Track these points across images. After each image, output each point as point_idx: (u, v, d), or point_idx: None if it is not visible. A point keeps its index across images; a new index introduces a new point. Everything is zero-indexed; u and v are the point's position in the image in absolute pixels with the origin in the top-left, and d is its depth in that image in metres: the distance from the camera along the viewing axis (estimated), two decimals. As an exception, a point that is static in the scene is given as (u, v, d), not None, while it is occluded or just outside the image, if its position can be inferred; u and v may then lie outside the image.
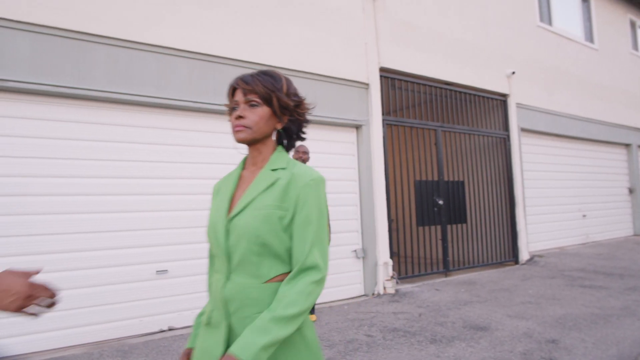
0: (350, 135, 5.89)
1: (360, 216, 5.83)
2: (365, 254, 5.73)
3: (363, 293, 5.73)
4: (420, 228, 6.93)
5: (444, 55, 6.95)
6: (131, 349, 3.82)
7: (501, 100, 8.03)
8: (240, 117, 1.20)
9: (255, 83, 1.20)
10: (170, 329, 4.31)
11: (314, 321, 4.54)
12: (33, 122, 3.81)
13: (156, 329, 4.26)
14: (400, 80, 6.53)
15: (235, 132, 1.23)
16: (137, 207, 4.24)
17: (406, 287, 6.00)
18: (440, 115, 7.20)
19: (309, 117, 1.34)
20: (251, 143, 1.27)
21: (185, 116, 4.60)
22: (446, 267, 6.90)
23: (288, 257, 1.16)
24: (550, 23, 9.33)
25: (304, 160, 4.73)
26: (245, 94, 1.21)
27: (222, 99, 4.68)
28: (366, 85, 5.94)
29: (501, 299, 5.30)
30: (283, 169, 1.21)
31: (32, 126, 3.80)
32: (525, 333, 4.01)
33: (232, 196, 1.26)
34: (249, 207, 1.16)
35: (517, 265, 7.70)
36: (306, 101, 1.33)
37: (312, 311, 4.63)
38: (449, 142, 7.48)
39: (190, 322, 4.43)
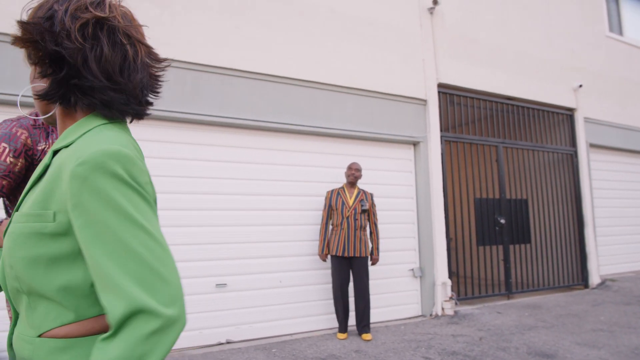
0: (408, 152, 5.83)
1: (418, 234, 5.72)
2: (422, 273, 5.60)
3: (420, 313, 5.58)
4: (481, 248, 6.69)
5: (505, 70, 6.75)
6: (191, 359, 3.93)
7: (567, 115, 7.66)
8: None
9: None
10: (228, 342, 4.40)
11: (369, 341, 4.47)
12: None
13: (215, 342, 4.36)
14: (459, 95, 6.40)
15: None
16: (199, 221, 4.40)
17: (465, 308, 5.79)
18: (502, 131, 6.97)
19: None
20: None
21: (246, 134, 4.74)
22: (508, 289, 6.60)
23: (72, 297, 0.73)
24: (620, 33, 8.83)
25: (356, 178, 4.74)
26: None
27: (281, 118, 4.81)
28: (424, 102, 5.88)
29: (569, 325, 4.99)
30: (67, 146, 0.79)
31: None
32: (598, 364, 3.74)
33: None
34: (13, 218, 0.78)
35: (586, 290, 7.22)
36: None
37: (368, 330, 4.57)
38: (511, 159, 7.21)
39: (248, 336, 4.51)
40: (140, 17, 3.61)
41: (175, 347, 4.17)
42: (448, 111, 6.42)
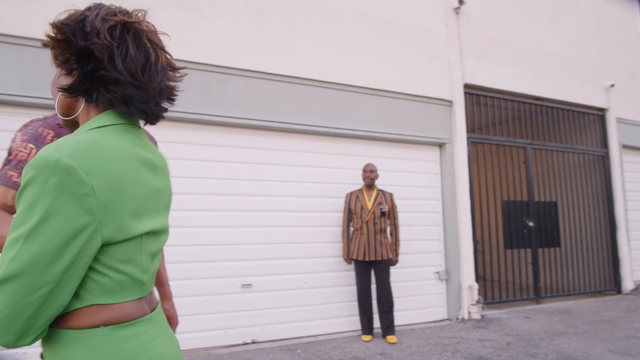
0: (433, 154, 5.77)
1: (444, 237, 5.65)
2: (448, 276, 5.53)
3: (446, 317, 5.51)
4: (508, 251, 6.56)
5: (533, 69, 6.62)
6: (217, 359, 3.97)
7: (598, 115, 7.45)
8: None
9: None
10: (253, 342, 4.43)
11: (394, 343, 4.44)
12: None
13: (240, 342, 4.39)
14: (486, 96, 6.30)
15: None
16: (224, 222, 4.45)
17: (493, 313, 5.68)
18: (530, 132, 6.82)
19: None
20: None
21: (271, 136, 4.78)
22: (537, 294, 6.44)
23: None
24: (655, 30, 8.55)
25: (372, 180, 4.70)
26: None
27: (306, 120, 4.82)
28: (450, 103, 5.81)
29: (601, 332, 4.84)
30: None
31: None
32: (633, 372, 3.62)
33: None
34: None
35: (619, 295, 7.00)
36: None
37: (392, 332, 4.53)
38: (540, 160, 7.05)
39: (273, 337, 4.52)
40: (167, 21, 3.72)
41: (201, 346, 4.22)
42: (474, 112, 6.33)
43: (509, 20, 6.53)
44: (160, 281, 1.64)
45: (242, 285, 4.46)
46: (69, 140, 0.76)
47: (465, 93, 6.00)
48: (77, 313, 0.81)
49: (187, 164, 4.34)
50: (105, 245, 0.80)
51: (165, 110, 0.98)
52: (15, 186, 1.28)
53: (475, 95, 6.20)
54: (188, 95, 4.30)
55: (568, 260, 7.03)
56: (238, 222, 4.50)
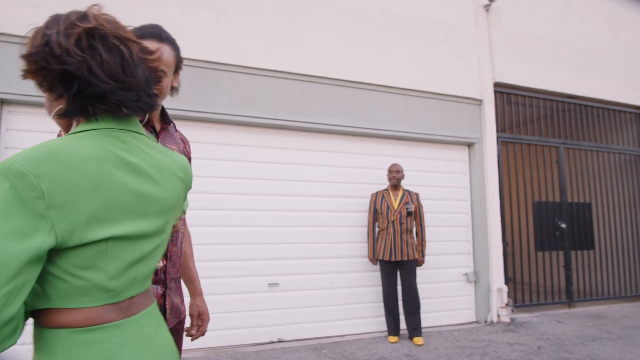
0: (462, 154, 5.68)
1: (472, 238, 5.56)
2: (477, 278, 5.44)
3: (474, 320, 5.42)
4: (539, 253, 6.41)
5: (566, 67, 6.44)
6: (244, 356, 4.02)
7: (636, 114, 7.19)
8: None
9: None
10: (279, 341, 4.46)
11: (421, 345, 4.40)
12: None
13: (266, 340, 4.43)
14: (517, 95, 6.17)
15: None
16: (251, 222, 4.49)
17: (523, 316, 5.56)
18: (563, 131, 6.64)
19: None
20: None
21: (298, 136, 4.80)
22: (570, 298, 6.27)
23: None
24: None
25: (398, 180, 4.66)
26: None
27: (333, 120, 4.83)
28: (479, 102, 5.71)
29: (637, 338, 4.67)
30: None
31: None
32: (672, 380, 3.48)
33: None
34: None
35: (657, 300, 6.74)
36: None
37: (419, 334, 4.49)
38: (573, 160, 6.85)
39: (299, 336, 4.55)
40: (197, 23, 3.78)
41: (228, 344, 4.27)
42: (505, 111, 6.20)
43: (541, 17, 6.36)
44: (190, 278, 1.66)
45: (269, 284, 4.50)
46: (30, 147, 0.79)
47: (495, 91, 5.89)
48: (43, 312, 0.83)
49: (215, 163, 4.41)
50: (61, 249, 0.80)
51: (157, 95, 1.00)
52: None
53: (505, 93, 6.08)
54: (217, 96, 4.37)
55: (602, 263, 6.82)
56: (265, 222, 4.54)
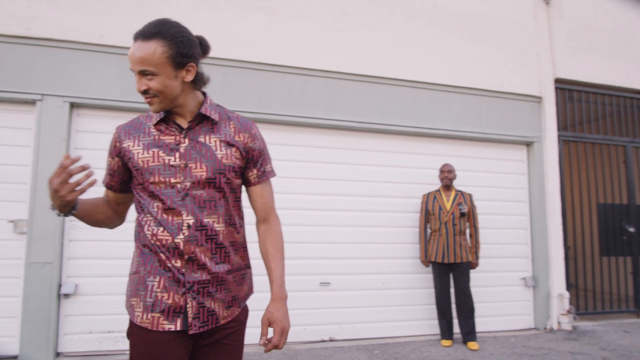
0: (520, 153, 5.46)
1: (531, 241, 5.33)
2: (535, 283, 5.21)
3: (533, 326, 5.20)
4: (605, 258, 6.04)
5: (635, 61, 6.04)
6: (295, 354, 4.07)
7: None
8: None
9: None
10: (331, 340, 4.48)
11: (476, 350, 4.27)
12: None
13: (318, 339, 4.46)
14: (580, 91, 5.86)
15: None
16: (304, 221, 4.54)
17: (586, 324, 5.27)
18: (631, 129, 6.24)
19: None
20: None
21: (350, 136, 4.80)
22: (638, 307, 5.88)
23: None
24: None
25: (450, 180, 4.54)
26: None
27: (385, 119, 4.79)
28: (539, 99, 5.47)
29: None
30: None
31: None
32: None
33: None
34: None
35: None
36: None
37: (474, 338, 4.36)
38: (643, 160, 6.42)
39: (350, 336, 4.54)
40: (252, 26, 3.89)
41: (281, 340, 4.33)
42: (567, 108, 5.91)
43: (606, 8, 6.01)
44: (270, 279, 1.55)
45: (321, 283, 4.53)
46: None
47: (556, 88, 5.61)
48: None
49: (268, 163, 4.48)
50: None
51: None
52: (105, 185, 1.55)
53: (567, 90, 5.78)
54: (271, 97, 4.45)
55: (676, 271, 6.33)
56: (318, 221, 4.57)
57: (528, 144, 5.47)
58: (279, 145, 4.55)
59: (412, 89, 4.94)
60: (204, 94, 1.52)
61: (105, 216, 1.52)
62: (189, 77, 1.38)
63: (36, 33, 3.92)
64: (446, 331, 4.47)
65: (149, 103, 1.37)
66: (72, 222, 3.94)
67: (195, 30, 1.44)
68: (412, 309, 4.79)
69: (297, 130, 4.63)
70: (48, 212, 3.82)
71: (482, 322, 4.87)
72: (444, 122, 5.02)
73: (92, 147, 3.99)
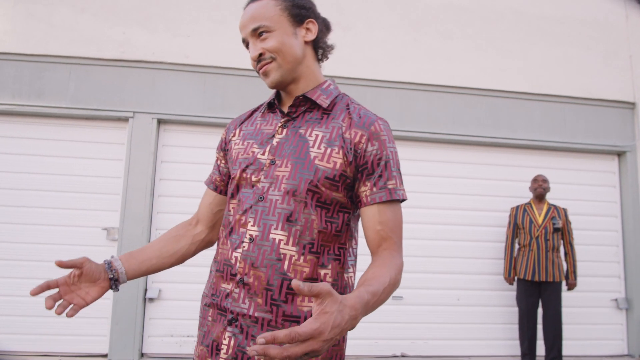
0: (610, 164, 5.07)
1: (624, 259, 4.91)
2: (629, 306, 4.78)
3: (626, 352, 4.77)
4: None
5: None
6: (368, 368, 4.03)
7: None
8: None
9: None
10: (403, 356, 4.39)
11: (563, 376, 3.98)
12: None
13: (389, 354, 4.39)
14: (680, 95, 5.34)
15: None
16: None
17: (691, 354, 4.76)
18: None
19: None
20: None
21: (425, 147, 4.72)
22: None
23: None
24: None
25: (544, 190, 4.29)
26: None
27: (461, 129, 4.66)
28: (631, 105, 5.06)
29: None
30: None
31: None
32: None
33: None
34: None
35: None
36: None
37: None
38: None
39: (423, 352, 4.42)
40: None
41: (352, 353, 4.31)
42: (664, 115, 5.40)
43: None
44: (358, 282, 1.08)
45: (393, 297, 4.46)
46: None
47: (651, 93, 5.17)
48: None
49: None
50: None
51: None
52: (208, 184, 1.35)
53: (665, 95, 5.30)
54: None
55: None
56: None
57: (619, 154, 5.06)
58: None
59: (489, 98, 4.76)
60: (327, 81, 1.25)
61: (176, 256, 1.27)
62: (310, 36, 1.17)
63: (129, 56, 4.26)
64: (528, 353, 4.21)
65: (264, 73, 1.13)
66: (157, 230, 4.21)
67: None
68: (490, 327, 4.58)
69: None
70: (136, 220, 4.11)
71: (568, 345, 4.54)
72: (524, 131, 4.79)
73: (176, 160, 4.27)
